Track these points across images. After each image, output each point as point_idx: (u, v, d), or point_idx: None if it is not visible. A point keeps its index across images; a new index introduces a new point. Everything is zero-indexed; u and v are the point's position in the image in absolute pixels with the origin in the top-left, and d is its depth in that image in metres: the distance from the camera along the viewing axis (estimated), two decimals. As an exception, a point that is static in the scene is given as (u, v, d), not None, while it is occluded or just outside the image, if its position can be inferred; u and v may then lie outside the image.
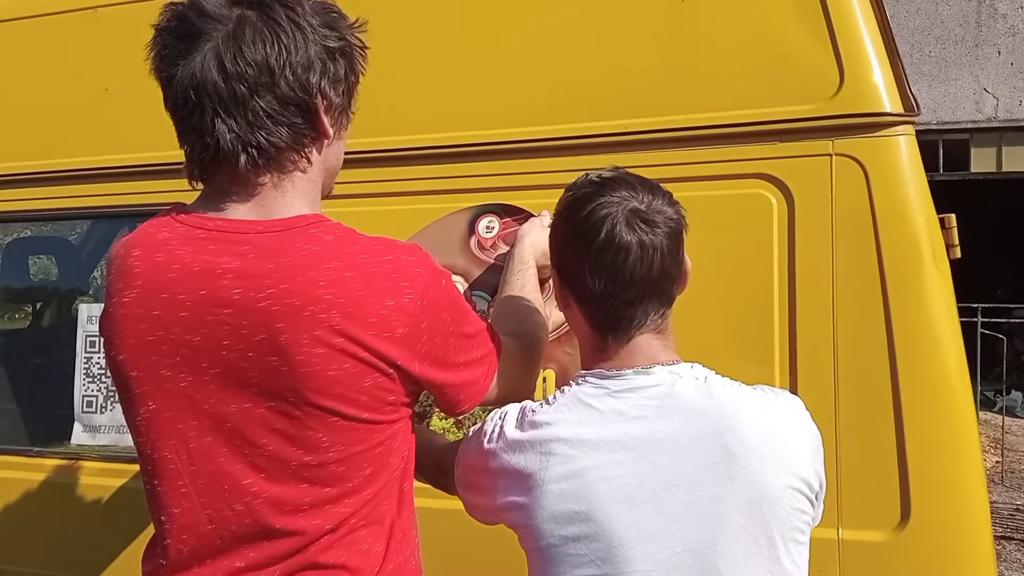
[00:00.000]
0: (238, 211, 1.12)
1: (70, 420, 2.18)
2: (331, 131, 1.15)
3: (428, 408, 1.75)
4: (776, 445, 1.15)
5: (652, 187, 1.21)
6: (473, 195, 1.78)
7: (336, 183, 1.84)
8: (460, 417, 1.73)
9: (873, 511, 1.49)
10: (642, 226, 1.17)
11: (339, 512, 1.09)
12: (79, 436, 2.16)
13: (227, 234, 1.09)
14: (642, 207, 1.18)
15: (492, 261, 1.74)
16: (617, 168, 1.25)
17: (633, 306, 1.19)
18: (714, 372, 1.21)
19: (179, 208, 1.15)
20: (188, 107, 1.08)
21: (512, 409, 1.23)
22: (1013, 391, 7.48)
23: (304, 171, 1.14)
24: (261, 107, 1.07)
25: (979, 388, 5.31)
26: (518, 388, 1.32)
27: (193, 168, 1.13)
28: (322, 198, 1.24)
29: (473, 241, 1.76)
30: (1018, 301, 6.92)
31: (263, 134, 1.08)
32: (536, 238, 1.61)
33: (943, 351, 1.48)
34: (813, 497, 1.17)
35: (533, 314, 1.46)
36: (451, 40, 1.84)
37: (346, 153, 1.86)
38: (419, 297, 1.08)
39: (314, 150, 1.15)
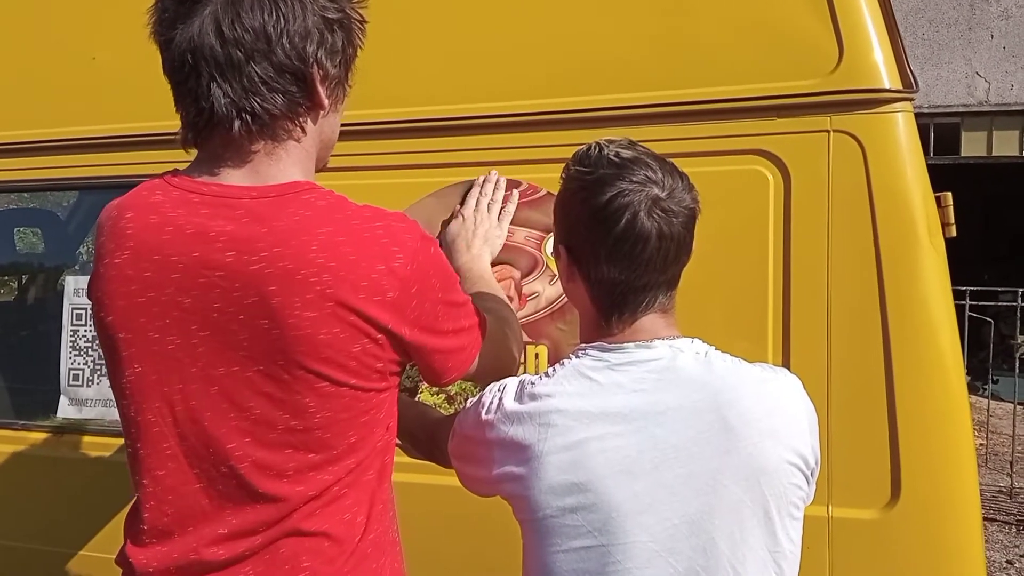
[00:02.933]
0: (232, 177, 1.12)
1: (56, 393, 2.16)
2: (327, 102, 1.15)
3: (419, 382, 1.74)
4: (775, 420, 1.15)
5: (671, 169, 1.19)
6: (468, 169, 1.75)
7: (331, 155, 1.84)
8: (453, 393, 1.72)
9: (863, 489, 1.49)
10: (662, 215, 1.15)
11: (322, 479, 1.10)
12: (65, 409, 2.14)
13: (221, 199, 1.09)
14: (663, 195, 1.15)
15: None
16: (632, 143, 1.22)
17: (644, 292, 1.19)
18: (714, 347, 1.21)
19: (172, 172, 1.15)
20: (185, 71, 1.08)
21: (511, 382, 1.23)
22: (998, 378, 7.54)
23: (298, 140, 1.14)
24: (257, 73, 1.07)
25: (966, 371, 5.35)
26: (500, 366, 1.33)
27: (188, 133, 1.13)
28: (317, 170, 1.24)
29: (466, 215, 1.74)
30: (1005, 285, 6.95)
31: (258, 100, 1.08)
32: (462, 235, 1.63)
33: (937, 329, 1.48)
34: (809, 473, 1.18)
35: (503, 298, 1.49)
36: (448, 13, 1.82)
37: (342, 125, 1.85)
38: (409, 262, 1.09)
39: (309, 120, 1.15)
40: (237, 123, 1.08)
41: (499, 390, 1.22)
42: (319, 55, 1.11)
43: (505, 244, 1.70)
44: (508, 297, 1.69)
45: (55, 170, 2.14)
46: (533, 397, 1.18)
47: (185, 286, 1.08)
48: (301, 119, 1.13)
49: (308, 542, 1.10)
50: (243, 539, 1.09)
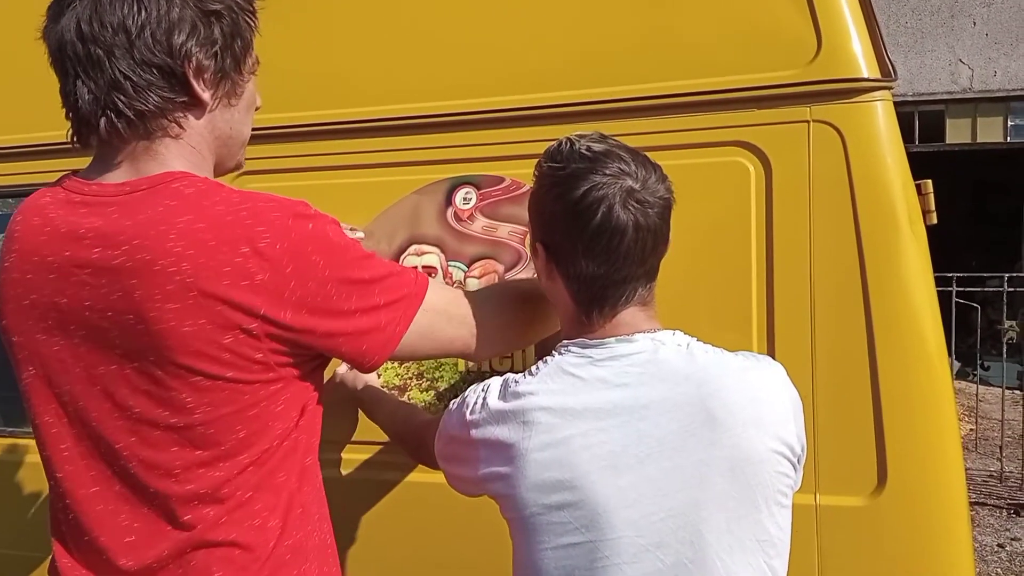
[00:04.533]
0: (113, 175, 1.11)
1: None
2: (206, 96, 1.12)
3: (408, 380, 1.74)
4: (759, 409, 1.15)
5: (643, 160, 1.19)
6: (452, 166, 1.75)
7: (311, 155, 1.83)
8: (443, 390, 1.72)
9: (850, 476, 1.50)
10: (637, 207, 1.15)
11: (213, 476, 1.07)
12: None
13: (98, 197, 1.09)
14: (637, 186, 1.15)
15: (469, 232, 1.73)
16: (604, 136, 1.22)
17: (623, 285, 1.19)
18: (696, 339, 1.21)
19: (70, 174, 1.15)
20: (58, 69, 1.08)
21: (495, 381, 1.23)
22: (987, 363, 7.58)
23: (176, 137, 1.12)
24: (119, 70, 1.05)
25: (954, 357, 5.39)
26: (501, 340, 1.30)
27: (71, 133, 1.12)
28: (229, 170, 1.23)
29: (450, 212, 1.75)
30: (992, 271, 6.99)
31: (121, 97, 1.06)
32: None
33: (919, 316, 1.48)
34: (795, 461, 1.18)
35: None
36: (428, 9, 1.81)
37: (320, 124, 1.83)
38: (277, 240, 1.04)
39: (189, 116, 1.12)
40: (103, 121, 1.07)
41: (483, 390, 1.22)
42: (188, 47, 1.08)
43: (489, 239, 1.71)
44: None
45: (25, 175, 2.12)
46: (516, 395, 1.18)
47: (60, 286, 1.07)
48: (177, 115, 1.11)
49: (218, 552, 1.07)
50: (149, 548, 1.07)
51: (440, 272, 1.73)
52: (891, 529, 1.48)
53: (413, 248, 1.74)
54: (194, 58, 1.09)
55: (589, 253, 1.17)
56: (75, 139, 1.12)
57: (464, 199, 1.75)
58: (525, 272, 1.67)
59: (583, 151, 1.18)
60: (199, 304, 1.01)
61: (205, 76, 1.11)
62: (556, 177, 1.19)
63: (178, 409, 1.05)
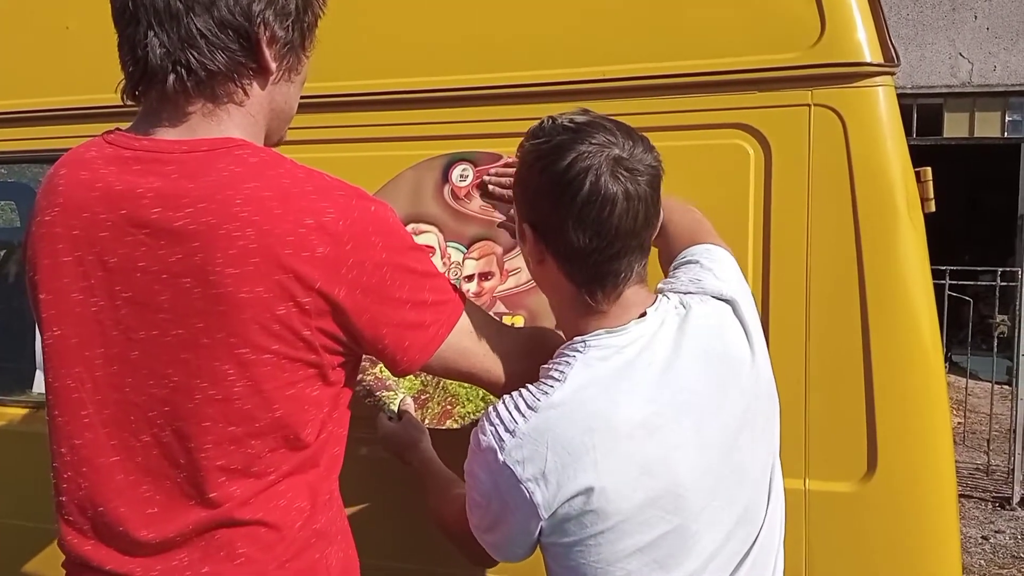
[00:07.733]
0: (166, 132, 1.09)
1: (32, 369, 2.14)
2: (273, 66, 1.11)
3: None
4: (755, 340, 1.23)
5: (628, 131, 1.16)
6: (450, 142, 1.74)
7: (308, 127, 1.81)
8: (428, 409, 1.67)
9: (840, 462, 1.50)
10: (626, 175, 1.11)
11: (244, 453, 1.05)
12: (41, 384, 2.12)
13: (152, 154, 1.07)
14: (624, 155, 1.11)
15: (467, 212, 1.71)
16: (586, 110, 1.19)
17: (618, 260, 1.14)
18: (679, 292, 1.23)
19: (113, 130, 1.13)
20: (126, 17, 1.06)
21: (502, 409, 1.14)
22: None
23: (240, 104, 1.11)
24: (196, 26, 1.04)
25: (945, 350, 5.41)
26: (515, 373, 1.23)
27: (126, 86, 1.10)
28: (272, 144, 1.20)
29: (447, 190, 1.73)
30: (985, 266, 7.00)
31: (194, 54, 1.05)
32: None
33: (914, 302, 1.48)
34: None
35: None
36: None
37: (318, 96, 1.82)
38: (341, 217, 1.04)
39: (254, 84, 1.12)
40: (172, 77, 1.05)
41: (495, 426, 1.13)
42: (266, 15, 1.08)
43: (487, 219, 1.69)
44: (490, 272, 1.68)
45: (30, 142, 2.11)
46: (553, 407, 1.11)
47: (111, 245, 1.05)
48: (244, 81, 1.10)
49: (243, 530, 1.06)
50: (171, 522, 1.06)
51: (438, 252, 1.71)
52: (879, 515, 1.48)
53: (411, 227, 1.72)
54: (269, 26, 1.09)
55: (579, 225, 1.11)
56: (133, 92, 1.10)
57: (461, 176, 1.73)
58: (516, 261, 1.66)
59: (566, 124, 1.15)
60: (259, 270, 1.00)
61: (275, 46, 1.11)
62: (539, 151, 1.15)
63: (218, 380, 1.03)
